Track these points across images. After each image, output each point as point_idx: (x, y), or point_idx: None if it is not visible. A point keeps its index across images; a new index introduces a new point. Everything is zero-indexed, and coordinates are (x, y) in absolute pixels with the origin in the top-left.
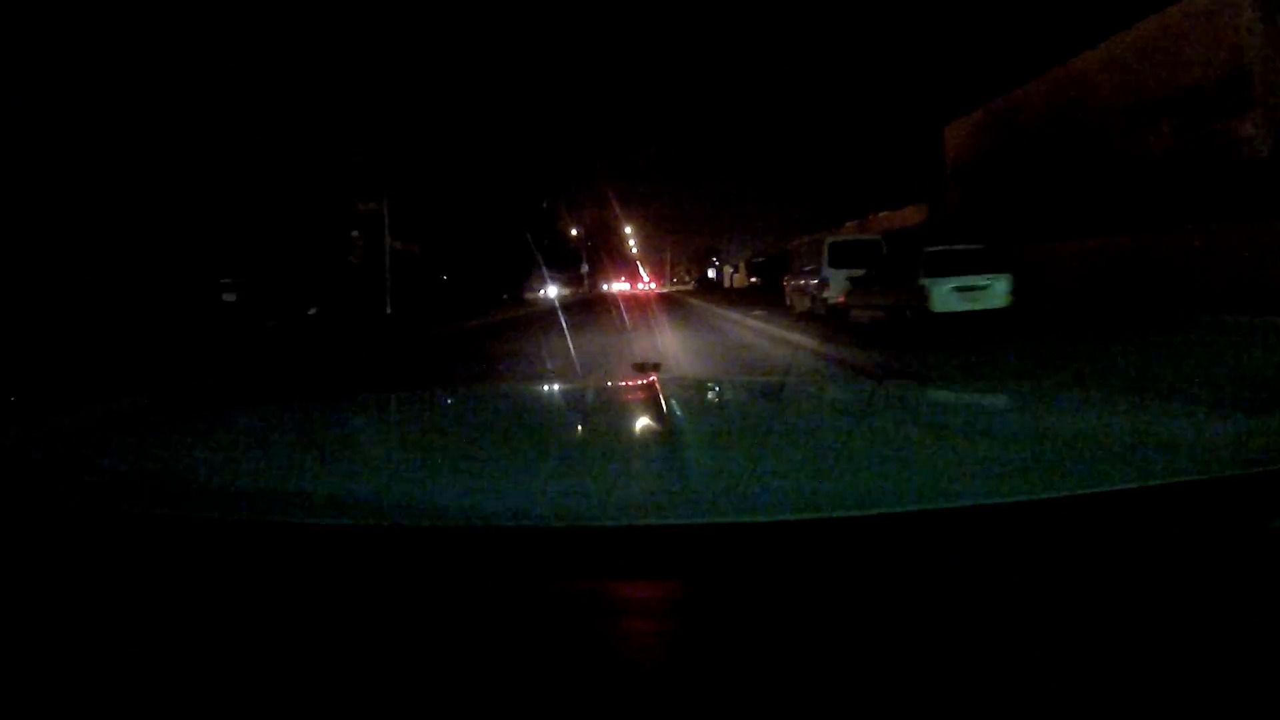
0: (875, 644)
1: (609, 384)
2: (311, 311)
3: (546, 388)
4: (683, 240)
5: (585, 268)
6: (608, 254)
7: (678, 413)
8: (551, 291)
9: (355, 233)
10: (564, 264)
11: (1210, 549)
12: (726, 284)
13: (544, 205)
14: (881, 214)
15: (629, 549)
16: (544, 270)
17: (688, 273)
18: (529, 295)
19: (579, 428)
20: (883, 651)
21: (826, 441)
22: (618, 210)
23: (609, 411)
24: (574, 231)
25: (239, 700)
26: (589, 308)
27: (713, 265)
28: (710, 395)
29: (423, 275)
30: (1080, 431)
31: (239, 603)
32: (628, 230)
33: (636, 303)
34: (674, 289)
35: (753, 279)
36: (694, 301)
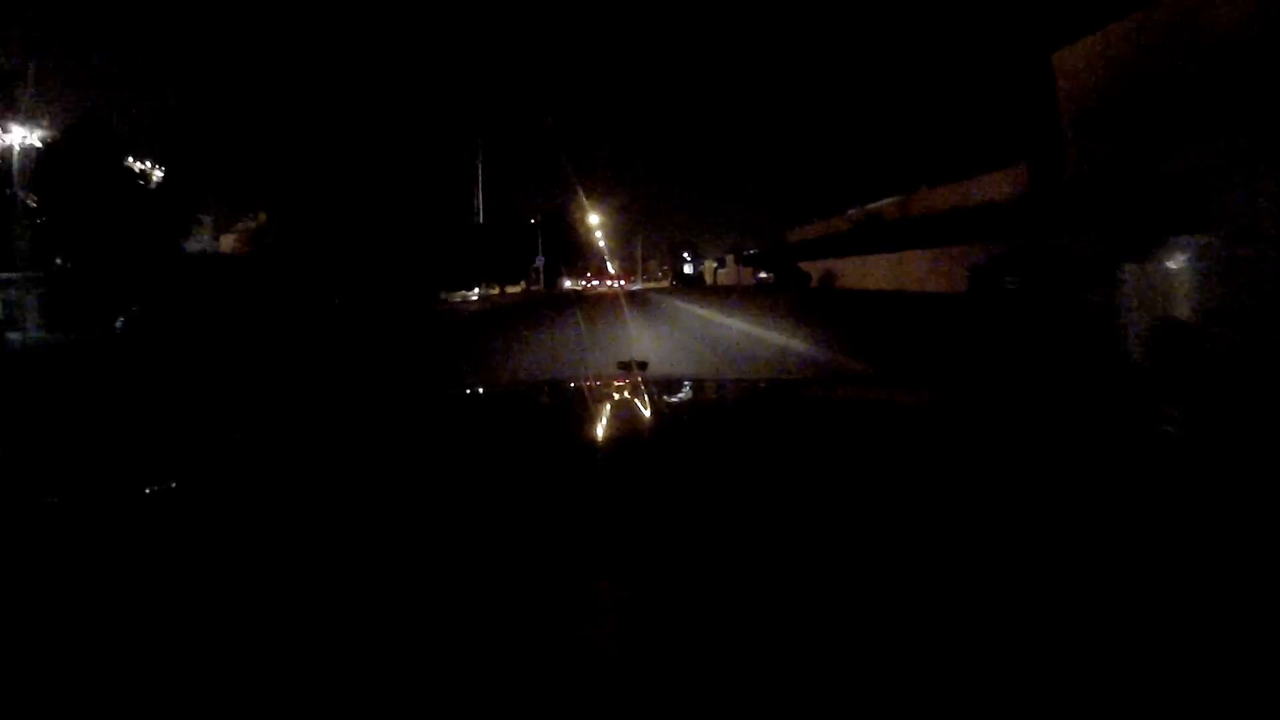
0: (856, 650)
1: (592, 382)
2: (119, 324)
3: (529, 386)
4: (654, 234)
5: (540, 260)
6: (571, 246)
7: (662, 411)
8: (475, 294)
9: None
10: (512, 255)
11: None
12: (709, 280)
13: (477, 168)
14: (937, 188)
15: (609, 546)
16: (472, 263)
17: (661, 268)
18: (454, 297)
19: (560, 425)
20: (866, 658)
21: (814, 442)
22: (582, 198)
23: (592, 409)
24: (532, 221)
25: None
26: (530, 322)
27: (687, 260)
28: (696, 394)
29: (276, 271)
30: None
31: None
32: (594, 221)
33: (605, 309)
34: (647, 286)
35: (761, 275)
36: (692, 310)
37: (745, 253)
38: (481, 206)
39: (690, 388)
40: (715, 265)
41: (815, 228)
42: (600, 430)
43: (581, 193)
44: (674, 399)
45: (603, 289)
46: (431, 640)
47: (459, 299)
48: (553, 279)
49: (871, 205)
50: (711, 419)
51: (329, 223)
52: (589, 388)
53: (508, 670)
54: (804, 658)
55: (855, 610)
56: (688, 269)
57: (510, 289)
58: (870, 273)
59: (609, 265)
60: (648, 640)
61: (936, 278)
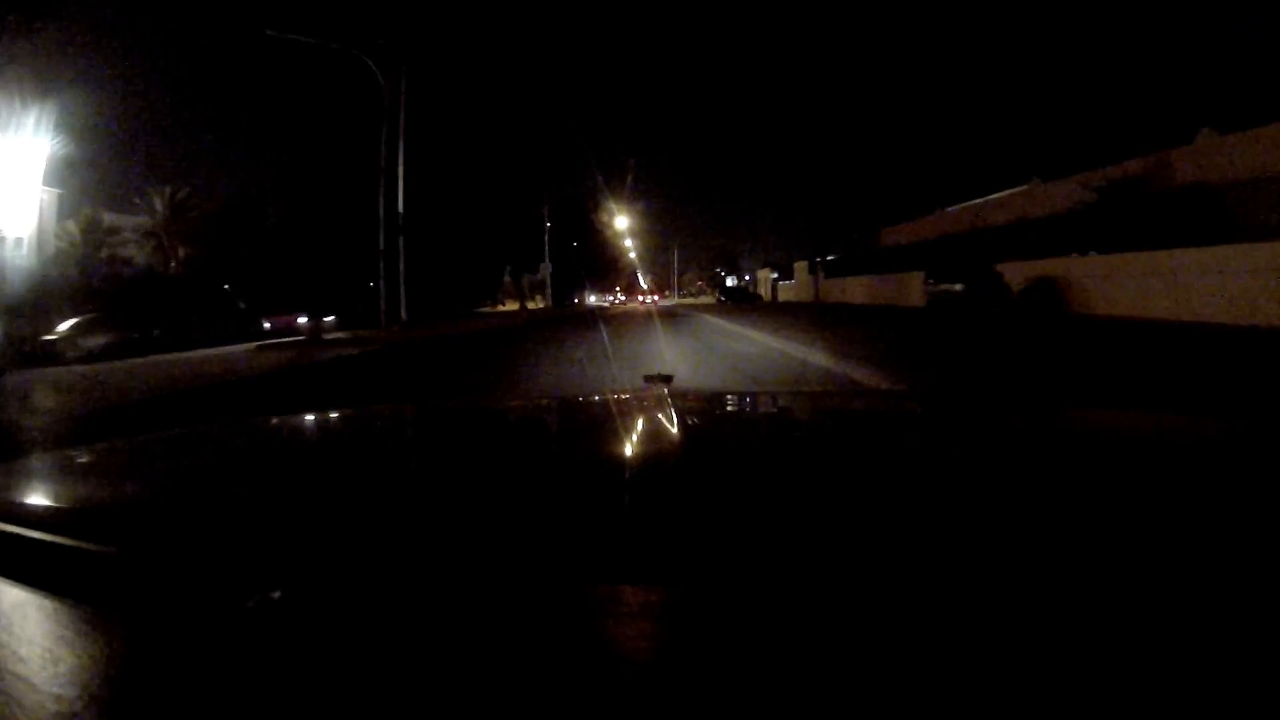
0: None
1: (619, 396)
2: None
3: (552, 399)
4: (688, 242)
5: (547, 268)
6: (594, 254)
7: (688, 424)
8: (317, 326)
9: None
10: (502, 254)
11: None
12: (766, 296)
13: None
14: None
15: (634, 554)
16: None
17: (697, 280)
18: (299, 321)
19: (585, 438)
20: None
21: (836, 453)
22: (610, 202)
23: (617, 422)
24: (546, 223)
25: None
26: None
27: (722, 274)
28: (721, 407)
29: None
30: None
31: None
32: (621, 225)
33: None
34: (682, 301)
35: (942, 286)
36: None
37: (820, 259)
38: (402, 183)
39: (712, 401)
40: (773, 275)
41: (941, 221)
42: (621, 440)
43: (607, 192)
44: (701, 410)
45: (633, 304)
46: (452, 643)
47: (307, 331)
48: (565, 293)
49: (1074, 178)
50: (731, 430)
51: None
52: (616, 399)
53: (531, 670)
54: (830, 665)
55: (881, 620)
56: (730, 280)
57: (508, 305)
58: (1188, 279)
59: (640, 279)
60: (675, 642)
61: None
